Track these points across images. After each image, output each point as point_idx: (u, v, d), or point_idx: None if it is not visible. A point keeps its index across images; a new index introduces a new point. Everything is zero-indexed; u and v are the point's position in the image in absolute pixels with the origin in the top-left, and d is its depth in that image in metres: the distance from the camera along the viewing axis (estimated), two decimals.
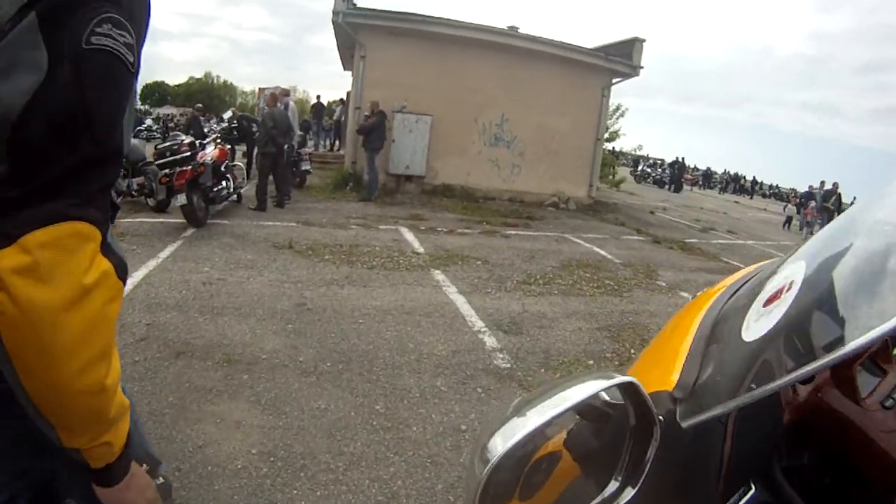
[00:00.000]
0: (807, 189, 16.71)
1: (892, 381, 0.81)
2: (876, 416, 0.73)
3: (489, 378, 2.96)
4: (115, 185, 0.81)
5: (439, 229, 7.17)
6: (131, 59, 0.72)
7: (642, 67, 11.62)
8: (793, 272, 0.65)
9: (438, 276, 4.89)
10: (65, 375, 0.66)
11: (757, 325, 0.63)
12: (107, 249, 0.70)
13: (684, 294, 5.49)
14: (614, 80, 11.82)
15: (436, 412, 2.55)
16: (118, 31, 0.69)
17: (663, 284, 5.85)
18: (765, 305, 0.64)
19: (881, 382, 0.81)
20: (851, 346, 0.45)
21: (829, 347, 0.48)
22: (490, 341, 3.50)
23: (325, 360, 2.96)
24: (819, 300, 0.58)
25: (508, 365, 3.17)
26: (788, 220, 16.50)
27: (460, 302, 4.21)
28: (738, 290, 0.92)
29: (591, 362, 3.37)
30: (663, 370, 0.77)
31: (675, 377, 0.72)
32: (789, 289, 0.61)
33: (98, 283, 0.67)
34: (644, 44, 11.57)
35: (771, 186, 39.98)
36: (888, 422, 0.74)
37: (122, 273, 0.73)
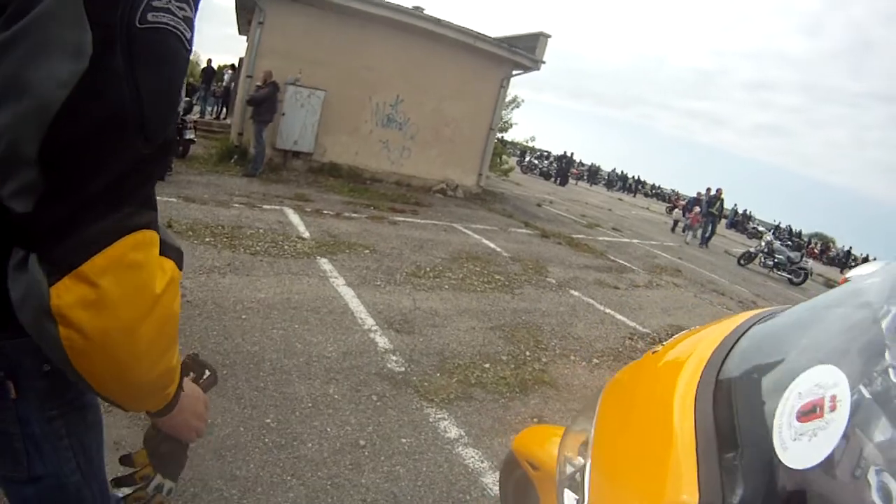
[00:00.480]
0: (694, 196, 18.04)
1: None
2: None
3: (384, 384, 2.89)
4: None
5: (325, 212, 6.89)
6: (189, 36, 0.60)
7: (544, 62, 11.95)
8: (825, 380, 0.63)
9: (325, 265, 4.70)
10: (137, 375, 0.64)
11: (799, 447, 0.61)
12: (163, 245, 0.63)
13: (574, 293, 5.79)
14: (515, 72, 12.02)
15: (331, 425, 2.44)
16: (178, 4, 0.57)
17: (553, 282, 6.11)
18: (800, 420, 0.62)
19: None
20: None
21: None
22: (382, 341, 3.42)
23: None
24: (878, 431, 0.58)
25: (403, 369, 3.13)
26: (675, 223, 17.92)
27: (349, 296, 4.08)
28: (722, 362, 0.88)
29: (487, 365, 3.43)
30: (659, 478, 0.72)
31: (688, 492, 0.65)
32: (833, 408, 0.60)
33: (167, 288, 0.62)
34: (549, 39, 11.84)
35: (653, 186, 43.23)
36: None
37: (181, 261, 0.69)
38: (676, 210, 18.80)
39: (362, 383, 2.85)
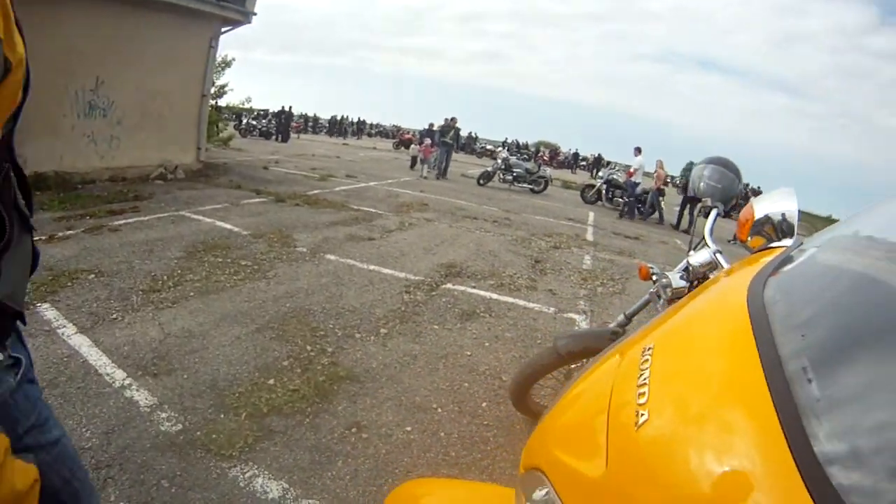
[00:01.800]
0: (426, 127, 18.06)
1: None
2: None
3: (167, 458, 2.41)
4: None
5: (36, 239, 5.30)
6: None
7: (255, 14, 10.94)
8: None
9: (48, 312, 3.68)
10: None
11: None
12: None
13: (331, 257, 5.63)
14: (224, 29, 10.77)
15: None
16: None
17: (304, 250, 5.85)
18: None
19: None
20: None
21: None
22: (142, 397, 2.87)
23: None
24: None
25: (179, 426, 2.66)
26: (414, 159, 17.91)
27: (86, 347, 3.28)
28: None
29: (271, 381, 3.13)
30: None
31: None
32: None
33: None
34: None
35: (373, 126, 43.64)
36: None
37: None
38: (414, 146, 19.19)
39: (143, 469, 2.33)
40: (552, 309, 5.21)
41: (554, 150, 42.58)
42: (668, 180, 18.94)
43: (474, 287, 5.38)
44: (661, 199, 15.21)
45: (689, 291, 2.55)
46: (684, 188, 15.74)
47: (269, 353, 3.50)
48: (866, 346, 0.87)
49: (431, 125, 17.23)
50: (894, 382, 0.79)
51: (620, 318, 2.99)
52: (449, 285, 5.26)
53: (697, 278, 2.62)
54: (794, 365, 0.82)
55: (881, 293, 1.04)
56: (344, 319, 4.16)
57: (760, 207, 1.59)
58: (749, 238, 1.64)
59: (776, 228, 1.55)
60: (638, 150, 14.77)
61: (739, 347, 0.93)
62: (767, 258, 1.31)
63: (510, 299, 5.24)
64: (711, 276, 2.49)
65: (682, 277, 2.64)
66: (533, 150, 37.47)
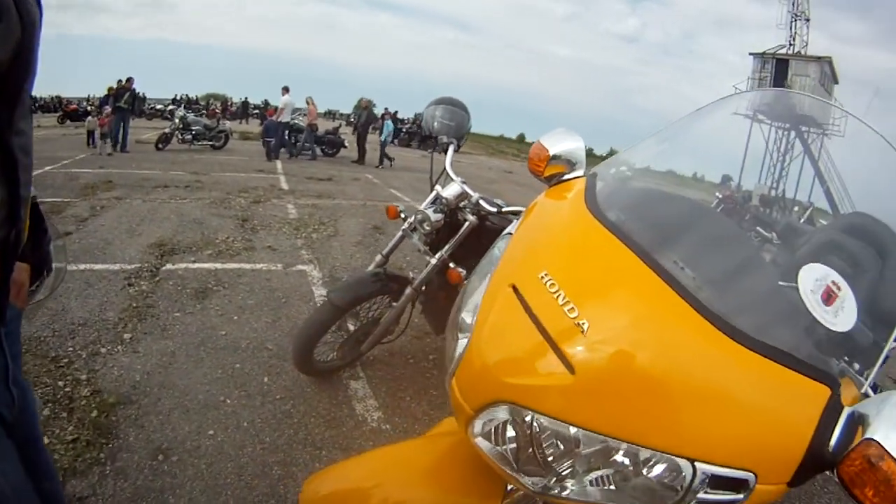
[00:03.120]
0: (105, 94, 14.09)
1: None
2: None
3: None
4: None
5: None
6: None
7: None
8: (820, 275, 1.19)
9: None
10: None
11: (839, 319, 1.14)
12: None
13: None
14: None
15: None
16: None
17: None
18: (829, 305, 1.15)
19: None
20: None
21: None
22: None
23: None
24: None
25: None
26: (91, 133, 13.85)
27: None
28: None
29: (45, 441, 2.57)
30: None
31: None
32: (839, 289, 1.17)
33: None
34: None
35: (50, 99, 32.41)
36: None
37: None
38: (90, 119, 14.82)
39: None
40: (279, 265, 5.30)
41: (224, 102, 39.43)
42: (339, 118, 20.13)
43: (195, 261, 5.05)
44: (313, 134, 15.88)
45: (444, 222, 2.95)
46: (356, 126, 16.77)
47: None
48: (690, 237, 1.40)
49: (111, 89, 14.04)
50: (719, 251, 1.38)
51: (378, 258, 3.22)
52: (169, 266, 4.82)
53: (451, 209, 2.96)
54: (664, 260, 1.19)
55: (683, 201, 1.67)
56: (80, 337, 3.50)
57: (551, 145, 1.85)
58: (545, 172, 1.86)
59: (568, 163, 1.85)
60: (285, 90, 14.94)
61: (617, 253, 1.23)
62: (574, 186, 1.70)
63: (235, 265, 5.12)
64: (462, 206, 2.94)
65: (436, 211, 2.95)
66: (203, 104, 33.99)
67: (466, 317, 1.37)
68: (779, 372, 1.03)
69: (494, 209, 2.82)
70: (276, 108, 16.76)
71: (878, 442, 0.89)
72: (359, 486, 1.41)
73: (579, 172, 1.85)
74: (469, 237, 2.93)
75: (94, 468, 2.41)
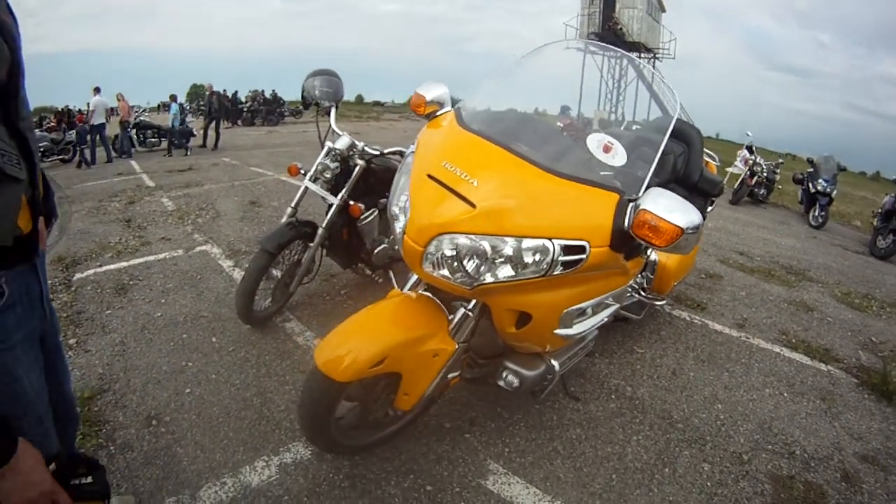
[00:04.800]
0: None
1: None
2: None
3: None
4: None
5: None
6: None
7: None
8: (599, 138, 2.05)
9: None
10: None
11: (615, 160, 2.01)
12: None
13: None
14: None
15: None
16: None
17: None
18: (607, 153, 2.01)
19: None
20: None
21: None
22: None
23: None
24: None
25: None
26: None
27: None
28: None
29: None
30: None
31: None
32: (613, 144, 2.01)
33: None
34: None
35: None
36: None
37: None
38: None
39: None
40: (181, 251, 5.52)
41: (58, 114, 34.75)
42: (189, 107, 19.39)
43: (101, 265, 5.09)
44: (130, 131, 15.40)
45: (340, 169, 3.67)
46: (209, 112, 16.28)
47: None
48: (528, 134, 2.22)
49: None
50: (546, 140, 2.24)
51: (289, 210, 3.71)
52: (79, 275, 4.84)
53: (343, 157, 3.66)
54: (519, 148, 2.06)
55: (522, 115, 2.56)
56: None
57: (426, 93, 2.58)
58: (425, 111, 2.62)
59: (439, 103, 2.63)
60: (97, 90, 13.90)
61: (485, 146, 2.10)
62: (448, 117, 2.47)
63: (140, 260, 5.25)
64: (351, 154, 3.64)
65: (333, 160, 3.64)
66: (35, 119, 29.36)
67: (400, 200, 2.15)
68: (589, 188, 1.94)
69: (377, 152, 3.60)
70: (85, 113, 15.54)
71: (646, 209, 1.75)
72: (349, 337, 2.09)
73: (448, 108, 2.65)
74: (361, 178, 3.63)
75: (100, 452, 2.60)
